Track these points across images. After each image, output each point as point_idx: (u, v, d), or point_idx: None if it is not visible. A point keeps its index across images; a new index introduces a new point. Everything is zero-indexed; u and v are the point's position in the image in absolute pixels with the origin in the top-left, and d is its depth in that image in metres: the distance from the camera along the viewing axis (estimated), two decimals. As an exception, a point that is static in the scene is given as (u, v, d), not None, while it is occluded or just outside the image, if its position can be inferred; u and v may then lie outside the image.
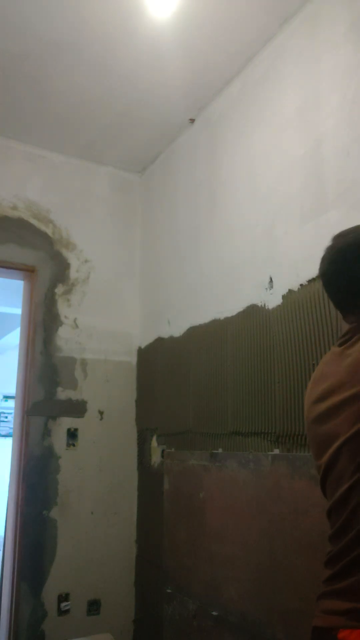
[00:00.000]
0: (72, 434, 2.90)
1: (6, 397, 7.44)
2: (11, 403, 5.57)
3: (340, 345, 1.14)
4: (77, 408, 2.95)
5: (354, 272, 1.10)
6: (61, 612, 2.72)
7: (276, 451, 1.92)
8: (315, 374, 1.22)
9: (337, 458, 1.04)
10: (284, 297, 2.00)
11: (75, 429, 2.92)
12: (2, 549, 3.03)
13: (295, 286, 1.95)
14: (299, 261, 1.96)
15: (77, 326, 3.03)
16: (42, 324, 2.93)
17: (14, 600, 2.65)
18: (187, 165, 2.87)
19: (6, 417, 7.45)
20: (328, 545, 1.07)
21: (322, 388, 1.13)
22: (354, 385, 1.02)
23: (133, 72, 2.47)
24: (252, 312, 2.17)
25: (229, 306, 2.35)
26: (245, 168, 2.34)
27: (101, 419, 3.02)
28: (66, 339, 2.98)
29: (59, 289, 3.02)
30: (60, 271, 3.04)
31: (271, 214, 2.14)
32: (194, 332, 2.61)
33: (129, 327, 3.21)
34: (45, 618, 2.68)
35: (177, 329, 2.78)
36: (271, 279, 2.10)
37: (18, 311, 3.25)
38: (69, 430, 2.90)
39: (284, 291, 2.00)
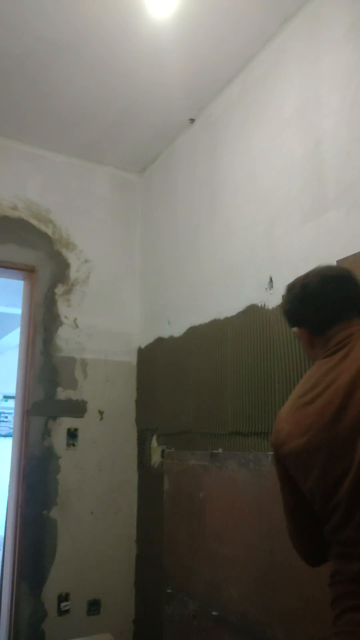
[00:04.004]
0: (72, 434, 2.90)
1: (6, 397, 7.44)
2: (11, 403, 5.57)
3: (329, 355, 1.18)
4: (77, 408, 2.95)
5: (347, 290, 1.23)
6: (61, 612, 2.72)
7: (276, 451, 1.92)
8: (302, 385, 1.22)
9: None
10: (284, 297, 2.00)
11: (75, 429, 2.92)
12: (2, 549, 3.03)
13: (295, 286, 1.95)
14: (299, 261, 1.95)
15: (77, 326, 3.03)
16: (42, 324, 2.93)
17: (14, 600, 2.65)
18: (187, 165, 2.87)
19: (6, 417, 7.45)
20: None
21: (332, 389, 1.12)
22: None
23: (133, 72, 2.47)
24: (252, 312, 2.17)
25: (229, 306, 2.35)
26: (245, 168, 2.34)
27: (101, 419, 3.02)
28: (66, 339, 2.98)
29: (59, 289, 3.02)
30: (60, 271, 3.04)
31: (271, 214, 2.14)
32: (194, 332, 2.61)
33: (129, 327, 3.21)
34: (45, 618, 2.68)
35: (177, 329, 2.78)
36: (271, 279, 2.10)
37: (18, 311, 3.25)
38: (69, 430, 2.90)
39: (284, 291, 2.00)
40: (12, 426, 3.27)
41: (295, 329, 1.31)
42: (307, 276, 1.29)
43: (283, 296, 1.35)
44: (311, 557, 1.22)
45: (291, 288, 1.30)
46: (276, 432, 1.20)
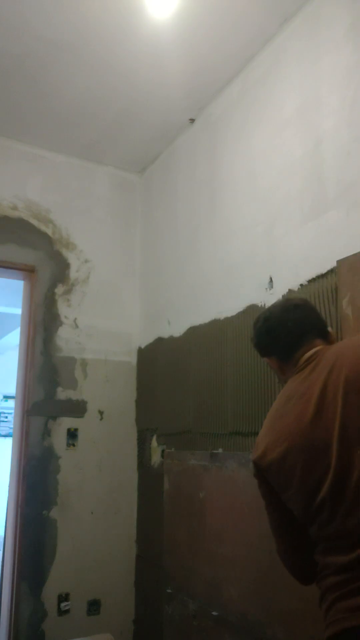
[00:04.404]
0: (72, 434, 2.90)
1: (6, 397, 7.44)
2: (11, 403, 5.57)
3: (300, 371, 1.28)
4: (77, 408, 2.95)
5: (305, 316, 1.37)
6: (61, 612, 2.72)
7: (276, 451, 1.92)
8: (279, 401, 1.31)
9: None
10: (284, 297, 2.00)
11: (75, 429, 2.92)
12: (2, 549, 3.03)
13: (295, 286, 1.95)
14: (299, 261, 1.96)
15: (77, 326, 3.03)
16: (42, 324, 2.93)
17: (14, 600, 2.65)
18: (187, 165, 2.87)
19: (6, 417, 7.44)
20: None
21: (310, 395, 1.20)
22: None
23: (133, 72, 2.46)
24: (252, 312, 2.17)
25: (229, 306, 2.35)
26: (245, 168, 2.34)
27: (101, 419, 3.02)
28: (66, 339, 2.98)
29: (59, 289, 3.02)
30: (60, 271, 3.04)
31: (271, 214, 2.14)
32: (194, 332, 2.61)
33: (129, 327, 3.21)
34: (45, 618, 2.68)
35: (177, 329, 2.78)
36: (271, 279, 2.10)
37: (18, 311, 3.25)
38: (69, 430, 2.90)
39: (284, 291, 2.00)
40: (12, 426, 3.27)
41: (265, 359, 1.42)
42: (268, 310, 1.43)
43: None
44: (302, 576, 1.29)
45: (256, 322, 1.43)
46: (256, 449, 1.29)
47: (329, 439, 1.11)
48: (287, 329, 1.34)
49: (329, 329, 1.39)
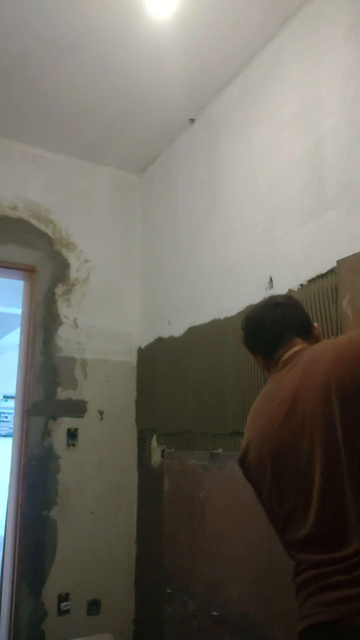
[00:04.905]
0: (72, 434, 2.90)
1: (6, 397, 7.44)
2: (11, 403, 5.57)
3: (278, 371, 1.30)
4: (77, 408, 2.95)
5: (284, 315, 1.36)
6: (61, 612, 2.72)
7: (276, 451, 1.92)
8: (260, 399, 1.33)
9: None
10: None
11: (75, 429, 2.92)
12: (2, 549, 3.03)
13: (295, 286, 1.95)
14: (299, 261, 1.96)
15: (77, 326, 3.03)
16: (42, 324, 2.93)
17: (14, 600, 2.65)
18: (187, 165, 2.87)
19: (6, 417, 7.44)
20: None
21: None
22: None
23: (133, 72, 2.46)
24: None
25: (229, 306, 2.35)
26: (245, 168, 2.34)
27: (101, 419, 3.02)
28: (66, 339, 2.98)
29: (59, 289, 3.02)
30: (60, 271, 3.04)
31: (271, 214, 2.14)
32: (194, 332, 2.61)
33: (129, 327, 3.21)
34: (45, 618, 2.68)
35: (177, 329, 2.78)
36: (271, 279, 2.10)
37: (18, 311, 3.25)
38: (69, 430, 2.90)
39: (284, 291, 2.00)
40: (12, 426, 3.27)
41: (252, 357, 1.45)
42: (252, 309, 1.45)
43: None
44: None
45: (242, 322, 1.45)
46: (241, 449, 1.32)
47: (299, 443, 1.12)
48: (266, 329, 1.36)
49: (314, 325, 1.40)
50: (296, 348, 1.30)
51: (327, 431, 1.08)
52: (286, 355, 1.30)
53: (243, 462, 1.30)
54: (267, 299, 1.45)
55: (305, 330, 1.35)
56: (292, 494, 1.13)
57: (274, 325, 1.35)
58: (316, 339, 1.37)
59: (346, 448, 1.05)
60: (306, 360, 1.22)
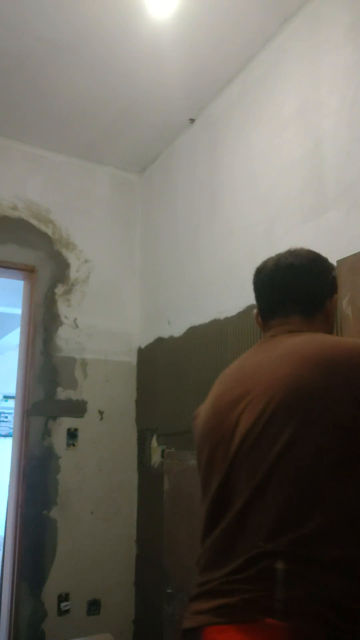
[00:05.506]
0: (72, 434, 2.90)
1: (6, 397, 7.44)
2: (11, 403, 5.57)
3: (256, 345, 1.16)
4: (77, 408, 2.95)
5: (292, 284, 1.16)
6: (61, 612, 2.72)
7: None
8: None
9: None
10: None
11: (75, 429, 2.92)
12: (2, 549, 3.03)
13: (295, 286, 1.95)
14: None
15: (77, 326, 3.03)
16: (42, 324, 2.93)
17: (14, 600, 2.65)
18: (187, 165, 2.87)
19: (6, 417, 7.44)
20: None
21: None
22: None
23: (133, 72, 2.47)
24: (252, 312, 2.17)
25: (229, 306, 2.35)
26: (245, 168, 2.34)
27: (101, 419, 3.02)
28: (66, 339, 2.98)
29: (59, 289, 3.02)
30: (60, 271, 3.04)
31: (271, 214, 2.14)
32: (194, 332, 2.61)
33: (129, 327, 3.21)
34: (45, 618, 2.68)
35: (177, 329, 2.78)
36: (271, 279, 2.09)
37: (18, 311, 3.25)
38: (69, 430, 2.90)
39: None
40: (12, 426, 3.27)
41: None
42: (265, 261, 1.23)
43: None
44: None
45: (254, 273, 1.25)
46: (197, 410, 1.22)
47: (231, 435, 1.01)
48: (270, 290, 1.18)
49: (332, 298, 1.18)
50: (283, 327, 1.13)
51: (241, 439, 0.98)
52: (272, 331, 1.15)
53: (193, 423, 1.20)
54: (284, 254, 1.22)
55: (311, 306, 1.14)
56: (213, 486, 1.05)
57: (279, 290, 1.16)
58: (326, 316, 1.16)
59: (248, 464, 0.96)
60: (277, 353, 1.05)
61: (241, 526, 0.94)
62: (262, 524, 0.90)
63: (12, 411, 3.14)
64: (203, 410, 1.17)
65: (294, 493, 0.89)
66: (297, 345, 1.03)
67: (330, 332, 1.19)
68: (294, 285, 1.15)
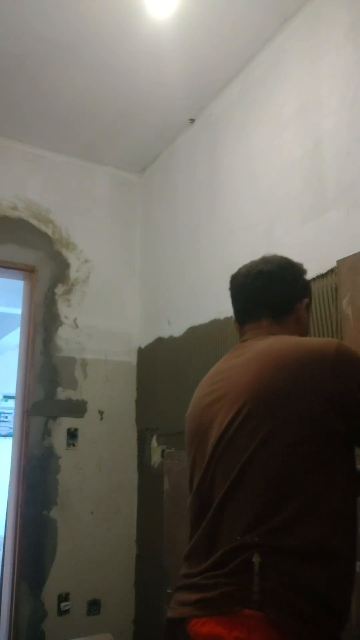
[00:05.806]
0: (72, 434, 2.90)
1: (6, 397, 7.44)
2: (11, 403, 5.57)
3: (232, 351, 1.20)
4: (77, 408, 2.95)
5: (262, 289, 1.21)
6: (61, 612, 2.72)
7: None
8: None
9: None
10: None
11: (75, 429, 2.92)
12: (2, 549, 3.03)
13: (295, 286, 1.95)
14: (298, 261, 1.95)
15: (77, 326, 3.03)
16: (42, 324, 2.93)
17: (14, 600, 2.65)
18: (187, 165, 2.87)
19: (6, 417, 7.44)
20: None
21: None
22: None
23: (133, 72, 2.46)
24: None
25: (228, 306, 2.31)
26: (245, 168, 2.34)
27: (101, 419, 3.02)
28: (66, 339, 2.98)
29: (59, 289, 3.02)
30: (60, 271, 3.04)
31: (271, 214, 2.14)
32: (194, 332, 2.61)
33: (129, 327, 3.21)
34: (45, 618, 2.68)
35: (177, 329, 2.78)
36: (271, 279, 2.09)
37: (18, 311, 3.25)
38: (69, 430, 2.90)
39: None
40: (12, 426, 3.27)
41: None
42: (239, 270, 1.28)
43: None
44: None
45: (230, 279, 1.31)
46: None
47: (209, 435, 1.08)
48: (242, 297, 1.24)
49: (302, 302, 1.22)
50: (254, 332, 1.18)
51: (215, 443, 1.04)
52: (246, 336, 1.19)
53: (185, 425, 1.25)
54: (257, 261, 1.27)
55: (281, 310, 1.19)
56: (194, 485, 1.12)
57: (250, 296, 1.21)
58: (297, 321, 1.20)
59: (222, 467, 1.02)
60: (249, 357, 1.09)
61: (220, 521, 1.00)
62: (239, 518, 0.96)
63: (12, 411, 3.14)
64: (188, 413, 1.24)
65: (266, 487, 0.95)
66: (265, 348, 1.08)
67: (304, 334, 1.23)
68: (264, 291, 1.20)
